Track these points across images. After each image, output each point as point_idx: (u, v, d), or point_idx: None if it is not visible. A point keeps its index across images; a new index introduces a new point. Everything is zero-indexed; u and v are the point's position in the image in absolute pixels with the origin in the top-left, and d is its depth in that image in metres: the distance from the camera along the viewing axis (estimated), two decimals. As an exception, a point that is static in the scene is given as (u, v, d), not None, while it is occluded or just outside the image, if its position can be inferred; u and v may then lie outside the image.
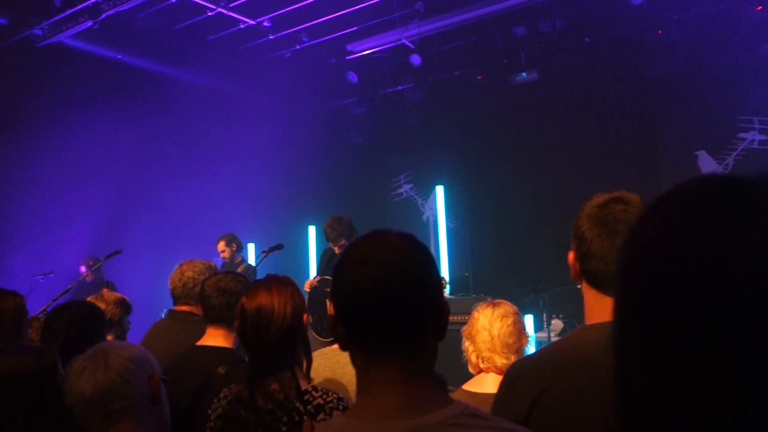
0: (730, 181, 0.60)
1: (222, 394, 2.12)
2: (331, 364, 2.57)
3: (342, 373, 2.51)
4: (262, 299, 2.04)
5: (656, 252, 0.60)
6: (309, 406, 1.97)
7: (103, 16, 6.96)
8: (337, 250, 6.04)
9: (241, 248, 7.46)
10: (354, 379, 2.40)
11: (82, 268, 7.22)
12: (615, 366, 0.64)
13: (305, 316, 2.13)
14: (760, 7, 6.81)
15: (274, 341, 2.01)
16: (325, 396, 2.00)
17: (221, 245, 7.33)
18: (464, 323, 2.80)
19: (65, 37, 7.45)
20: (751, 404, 0.53)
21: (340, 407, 1.99)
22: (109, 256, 5.66)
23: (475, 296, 6.25)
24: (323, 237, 6.17)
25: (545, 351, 1.77)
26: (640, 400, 0.61)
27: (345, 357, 2.59)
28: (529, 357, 1.85)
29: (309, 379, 2.09)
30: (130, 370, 1.78)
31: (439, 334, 1.21)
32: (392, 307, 1.14)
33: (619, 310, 0.64)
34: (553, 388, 1.54)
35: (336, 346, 2.77)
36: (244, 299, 2.08)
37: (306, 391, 2.01)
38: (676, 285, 0.57)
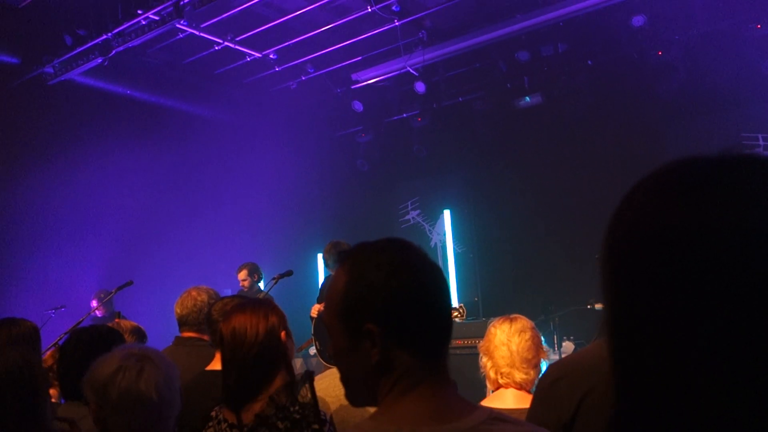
0: (698, 160, 0.64)
1: (213, 413, 2.16)
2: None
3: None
4: (236, 321, 2.13)
5: (633, 228, 0.65)
6: (288, 422, 2.02)
7: (113, 52, 7.09)
8: None
9: (260, 278, 7.37)
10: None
11: (93, 302, 7.24)
12: (609, 347, 0.68)
13: (283, 334, 2.17)
14: (759, 26, 6.87)
15: (248, 360, 2.07)
16: (302, 411, 2.05)
17: (243, 274, 7.23)
18: (475, 347, 2.79)
19: (76, 74, 7.60)
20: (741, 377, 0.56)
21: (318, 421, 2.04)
22: (120, 288, 5.69)
23: (485, 320, 6.23)
24: (331, 264, 6.15)
25: (582, 353, 1.80)
26: (637, 373, 0.64)
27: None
28: (567, 359, 1.87)
29: (295, 396, 2.11)
30: (175, 376, 1.86)
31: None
32: (440, 311, 1.18)
33: (606, 289, 0.67)
34: (597, 390, 1.57)
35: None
36: (221, 324, 2.17)
37: (284, 407, 2.05)
38: (653, 258, 0.61)
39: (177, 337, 3.39)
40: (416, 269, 1.18)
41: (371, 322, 1.18)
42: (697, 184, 0.62)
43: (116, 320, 4.22)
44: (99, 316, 7.04)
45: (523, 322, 2.65)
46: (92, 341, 2.51)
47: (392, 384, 1.18)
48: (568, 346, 6.56)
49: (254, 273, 7.26)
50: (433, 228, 9.54)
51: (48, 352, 3.52)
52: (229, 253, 8.58)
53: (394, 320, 1.17)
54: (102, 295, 7.06)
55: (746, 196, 0.59)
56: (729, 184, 0.60)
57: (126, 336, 3.25)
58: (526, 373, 2.52)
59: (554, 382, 1.71)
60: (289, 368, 2.17)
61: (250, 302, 2.23)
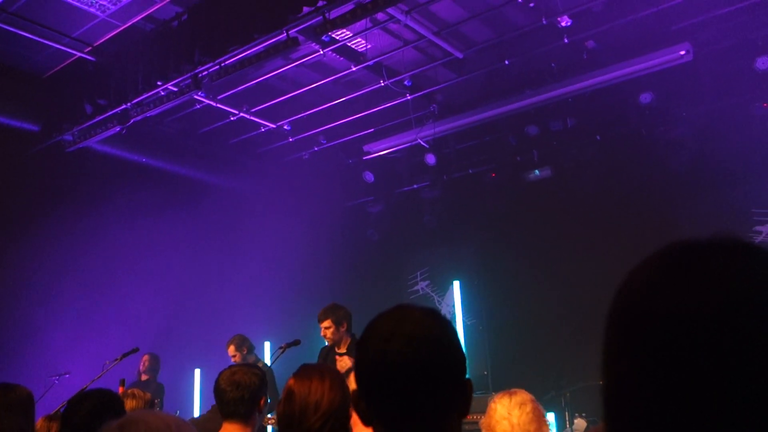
0: (690, 245, 0.69)
1: None
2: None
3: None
4: (315, 383, 2.03)
5: (629, 306, 0.69)
6: None
7: (131, 121, 7.26)
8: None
9: (252, 349, 6.94)
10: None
11: (142, 369, 7.19)
12: (603, 398, 0.71)
13: (351, 409, 2.10)
14: (766, 104, 6.97)
15: (318, 428, 1.98)
16: None
17: (231, 349, 6.78)
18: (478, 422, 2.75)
19: (94, 141, 7.75)
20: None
21: None
22: (126, 355, 5.67)
23: (495, 393, 6.09)
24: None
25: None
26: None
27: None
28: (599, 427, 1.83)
29: None
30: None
31: (464, 410, 1.20)
32: (415, 384, 1.14)
33: (602, 366, 0.71)
34: None
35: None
36: (292, 381, 2.06)
37: None
38: (647, 336, 0.65)
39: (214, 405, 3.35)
40: (389, 338, 1.17)
41: (357, 389, 1.23)
42: (680, 270, 0.66)
43: (121, 388, 4.17)
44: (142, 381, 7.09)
45: (523, 395, 2.63)
46: (94, 407, 2.48)
47: None
48: (580, 424, 6.37)
49: (242, 346, 6.80)
50: (442, 299, 9.48)
51: (39, 419, 3.47)
52: (238, 320, 8.51)
53: (363, 391, 1.20)
54: (146, 362, 7.12)
55: (729, 282, 0.63)
56: (713, 271, 0.64)
57: (140, 404, 3.23)
58: None
59: None
60: None
61: (327, 368, 2.14)
